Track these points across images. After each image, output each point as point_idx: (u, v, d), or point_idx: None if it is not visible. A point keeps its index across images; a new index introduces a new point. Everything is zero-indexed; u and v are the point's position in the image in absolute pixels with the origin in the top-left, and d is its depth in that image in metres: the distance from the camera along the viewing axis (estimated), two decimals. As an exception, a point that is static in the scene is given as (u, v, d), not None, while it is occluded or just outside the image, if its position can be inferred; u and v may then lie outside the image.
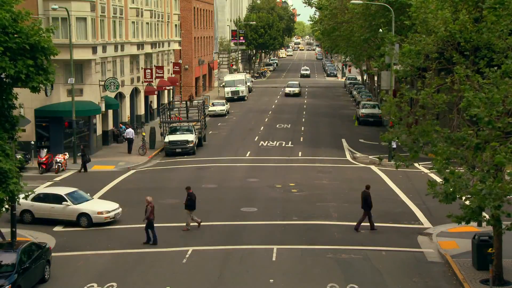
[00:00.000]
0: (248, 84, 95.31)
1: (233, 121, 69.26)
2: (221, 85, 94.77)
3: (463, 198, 20.84)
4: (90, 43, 47.65)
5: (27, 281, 22.09)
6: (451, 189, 20.49)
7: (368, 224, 29.39)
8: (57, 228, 30.35)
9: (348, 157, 49.00)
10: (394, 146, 43.42)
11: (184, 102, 63.21)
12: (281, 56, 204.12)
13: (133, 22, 59.50)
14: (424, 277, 23.78)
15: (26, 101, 42.70)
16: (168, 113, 56.27)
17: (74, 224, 30.55)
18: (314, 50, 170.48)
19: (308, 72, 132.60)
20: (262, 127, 63.86)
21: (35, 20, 23.10)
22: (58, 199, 30.98)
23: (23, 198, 27.87)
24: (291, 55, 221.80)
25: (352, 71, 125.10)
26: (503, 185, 19.14)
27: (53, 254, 25.09)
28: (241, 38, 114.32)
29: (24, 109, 43.30)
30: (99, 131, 51.04)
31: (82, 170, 43.50)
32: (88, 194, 32.85)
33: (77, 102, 45.93)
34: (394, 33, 44.89)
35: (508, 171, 19.26)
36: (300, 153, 50.19)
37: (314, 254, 26.20)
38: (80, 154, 44.11)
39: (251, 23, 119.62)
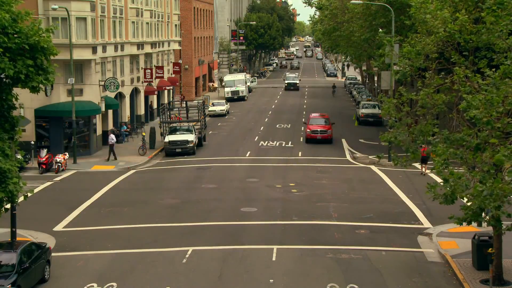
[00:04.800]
0: (248, 84, 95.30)
1: (233, 121, 69.25)
2: (221, 85, 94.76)
3: (465, 199, 20.82)
4: (90, 43, 47.65)
5: (27, 281, 22.04)
6: (449, 190, 20.46)
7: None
8: (57, 228, 30.35)
9: (348, 157, 48.98)
10: None
11: (184, 102, 63.19)
12: (280, 56, 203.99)
13: (133, 22, 59.49)
14: (424, 277, 23.76)
15: (26, 101, 42.74)
16: (168, 113, 56.25)
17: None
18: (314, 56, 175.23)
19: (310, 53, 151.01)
20: (262, 127, 63.85)
21: (35, 20, 23.06)
22: None
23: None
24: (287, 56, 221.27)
25: (350, 69, 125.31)
26: (504, 185, 19.12)
27: (53, 254, 25.08)
28: (241, 38, 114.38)
29: (24, 109, 43.41)
30: (99, 131, 51.04)
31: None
32: None
33: (77, 102, 45.95)
34: (394, 33, 44.86)
35: (508, 170, 19.23)
36: (300, 153, 50.16)
37: (314, 254, 26.17)
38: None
39: (251, 23, 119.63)
